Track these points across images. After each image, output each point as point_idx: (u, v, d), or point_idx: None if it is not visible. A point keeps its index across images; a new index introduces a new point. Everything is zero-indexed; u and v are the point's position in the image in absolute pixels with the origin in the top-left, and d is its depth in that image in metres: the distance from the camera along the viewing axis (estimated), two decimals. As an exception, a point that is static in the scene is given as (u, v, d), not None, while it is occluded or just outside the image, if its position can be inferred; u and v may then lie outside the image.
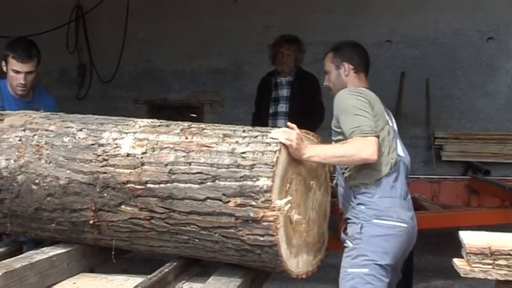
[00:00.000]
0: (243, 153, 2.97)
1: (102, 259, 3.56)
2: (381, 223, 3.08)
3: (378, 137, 3.04)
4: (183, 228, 3.06)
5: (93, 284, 3.23)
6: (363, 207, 3.13)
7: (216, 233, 2.99)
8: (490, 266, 2.76)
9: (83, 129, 3.35)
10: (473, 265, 2.79)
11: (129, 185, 3.13)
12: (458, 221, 4.59)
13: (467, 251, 2.82)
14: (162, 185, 3.07)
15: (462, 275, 2.86)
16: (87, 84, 9.05)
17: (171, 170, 3.06)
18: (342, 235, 3.24)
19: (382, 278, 3.05)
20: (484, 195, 5.50)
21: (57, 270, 3.22)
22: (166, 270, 3.08)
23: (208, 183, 2.98)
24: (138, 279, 3.05)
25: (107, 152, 3.23)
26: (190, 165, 3.04)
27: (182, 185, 3.03)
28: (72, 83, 9.13)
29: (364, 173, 3.13)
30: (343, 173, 3.26)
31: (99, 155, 3.23)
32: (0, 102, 4.03)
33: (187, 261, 3.31)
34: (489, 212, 5.03)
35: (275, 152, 2.90)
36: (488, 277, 2.77)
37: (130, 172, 3.13)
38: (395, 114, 8.00)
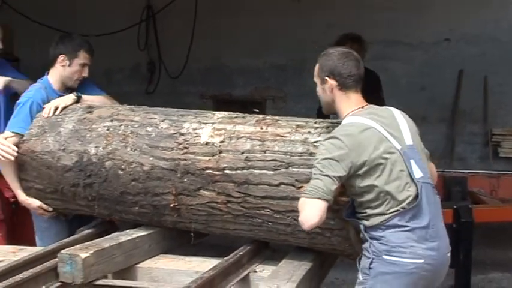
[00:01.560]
0: (315, 142, 3.08)
1: (179, 242, 3.68)
2: (392, 260, 2.73)
3: (325, 199, 2.70)
4: (257, 212, 3.18)
5: (173, 264, 3.35)
6: (374, 241, 2.78)
7: (288, 217, 3.10)
8: (552, 256, 2.79)
9: (165, 120, 3.52)
10: (536, 255, 2.83)
11: (207, 171, 3.27)
12: (518, 215, 4.58)
13: (531, 242, 2.85)
14: (238, 171, 3.20)
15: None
16: (156, 80, 9.17)
17: (247, 157, 3.19)
18: (357, 265, 2.92)
19: None
20: (544, 191, 5.46)
21: (139, 250, 3.36)
22: (241, 253, 3.19)
23: (282, 170, 3.10)
24: (214, 261, 3.17)
25: (187, 140, 3.38)
26: (265, 153, 3.17)
27: (258, 171, 3.16)
28: (143, 79, 9.26)
29: (372, 218, 2.79)
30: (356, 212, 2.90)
31: (180, 143, 3.39)
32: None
33: (260, 246, 3.40)
34: (548, 207, 5.01)
35: None
36: (551, 266, 2.81)
37: (209, 159, 3.28)
38: (453, 112, 8.07)
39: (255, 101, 8.81)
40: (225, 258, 3.11)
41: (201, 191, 3.31)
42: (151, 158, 3.45)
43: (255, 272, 3.17)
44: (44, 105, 3.92)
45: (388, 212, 2.76)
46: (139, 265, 3.33)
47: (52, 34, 8.26)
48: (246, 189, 3.19)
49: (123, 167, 3.52)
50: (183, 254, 3.52)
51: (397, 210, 2.75)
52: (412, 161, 2.82)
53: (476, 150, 7.99)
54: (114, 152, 3.56)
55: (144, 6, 8.96)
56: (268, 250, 3.47)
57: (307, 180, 2.92)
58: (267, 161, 3.15)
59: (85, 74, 4.08)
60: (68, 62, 4.01)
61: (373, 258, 2.78)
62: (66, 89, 4.10)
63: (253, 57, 8.64)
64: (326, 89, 2.96)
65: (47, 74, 4.11)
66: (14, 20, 8.17)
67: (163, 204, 3.44)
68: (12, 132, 3.88)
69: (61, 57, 4.00)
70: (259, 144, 3.21)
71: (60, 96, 4.01)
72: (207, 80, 8.85)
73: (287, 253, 3.29)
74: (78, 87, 4.12)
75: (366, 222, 2.82)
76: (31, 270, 2.94)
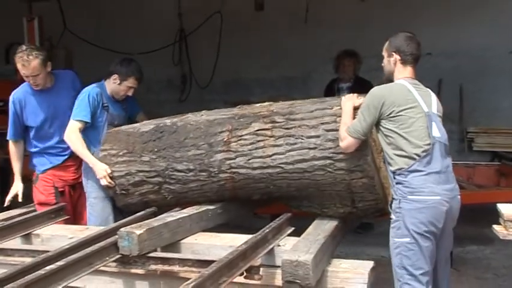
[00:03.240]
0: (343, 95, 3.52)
1: (214, 223, 3.71)
2: (415, 198, 2.93)
3: (360, 139, 3.11)
4: (295, 129, 3.39)
5: (210, 240, 3.38)
6: (400, 185, 2.98)
7: (320, 128, 3.31)
8: (524, 231, 2.82)
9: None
10: (510, 230, 2.86)
11: (260, 113, 3.52)
12: (490, 198, 4.57)
13: (505, 219, 2.88)
14: (284, 109, 3.51)
15: (501, 238, 2.91)
16: (188, 90, 9.19)
17: (292, 104, 3.51)
18: (389, 208, 3.13)
19: (421, 243, 2.92)
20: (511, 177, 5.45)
21: (182, 229, 3.40)
22: (267, 230, 3.20)
23: (318, 103, 3.47)
24: (244, 238, 3.18)
25: (244, 106, 3.71)
26: (305, 101, 3.54)
27: (299, 107, 3.50)
28: (176, 89, 9.29)
29: (397, 160, 3.00)
30: (385, 160, 3.16)
31: (239, 108, 3.71)
32: (107, 101, 4.12)
33: (282, 225, 3.42)
34: (516, 190, 5.01)
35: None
36: (523, 239, 2.83)
37: (261, 107, 3.59)
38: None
39: (269, 107, 8.80)
40: (254, 235, 3.12)
41: (253, 123, 3.54)
42: (216, 116, 3.70)
43: (279, 246, 3.19)
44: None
45: (405, 155, 2.96)
46: (182, 241, 3.37)
47: (103, 53, 8.44)
48: (289, 115, 3.45)
49: (192, 123, 3.76)
50: (218, 232, 3.55)
51: (413, 158, 2.95)
52: (433, 123, 3.02)
53: (453, 145, 7.88)
54: (186, 118, 3.82)
55: (177, 29, 9.02)
56: (289, 228, 3.49)
57: (338, 104, 3.34)
58: (307, 102, 3.47)
59: (130, 93, 4.17)
60: (118, 81, 4.09)
61: (400, 199, 2.99)
62: (116, 101, 4.20)
63: (268, 70, 8.61)
64: (391, 61, 3.19)
65: (104, 80, 4.18)
66: (74, 42, 8.28)
67: (218, 140, 3.60)
68: (77, 121, 3.98)
69: (115, 76, 4.08)
70: (300, 101, 3.56)
71: (113, 102, 4.16)
72: (229, 90, 8.82)
73: (304, 231, 3.31)
74: (123, 101, 4.23)
75: (391, 168, 3.04)
76: (97, 244, 2.99)
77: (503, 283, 4.52)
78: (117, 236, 3.06)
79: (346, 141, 3.16)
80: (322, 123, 3.34)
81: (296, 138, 3.37)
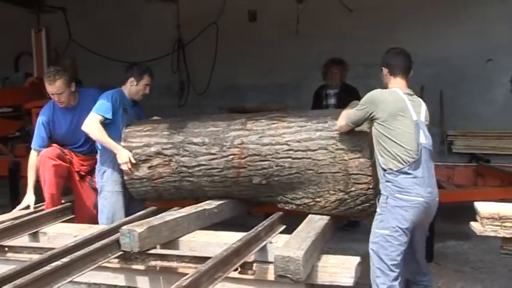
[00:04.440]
0: None
1: (209, 222, 3.68)
2: (401, 197, 3.05)
3: (348, 125, 3.34)
4: (306, 117, 3.62)
5: (207, 238, 3.37)
6: (389, 183, 3.08)
7: (328, 117, 3.57)
8: (499, 227, 2.82)
9: None
10: (486, 226, 2.85)
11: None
12: (469, 197, 4.56)
13: (482, 216, 2.87)
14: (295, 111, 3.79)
15: (478, 234, 2.90)
16: (186, 96, 9.18)
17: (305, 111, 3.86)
18: (377, 202, 3.22)
19: (399, 237, 3.06)
20: (488, 177, 5.45)
21: (180, 227, 3.39)
22: (260, 228, 3.21)
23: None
24: (238, 235, 3.17)
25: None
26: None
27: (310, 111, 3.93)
28: (175, 95, 9.27)
29: (388, 162, 3.10)
30: (377, 157, 3.22)
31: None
32: (126, 104, 4.16)
33: (274, 223, 3.43)
34: (492, 190, 5.00)
35: None
36: (498, 235, 2.83)
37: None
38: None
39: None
40: (248, 232, 3.13)
41: (267, 114, 3.75)
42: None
43: (271, 243, 3.20)
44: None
45: (396, 159, 3.05)
46: (180, 238, 3.36)
47: (106, 62, 8.43)
48: (301, 112, 3.72)
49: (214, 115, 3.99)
50: (214, 230, 3.53)
51: (403, 163, 3.04)
52: (421, 131, 3.14)
53: (435, 147, 7.80)
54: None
55: (176, 39, 9.02)
56: (281, 226, 3.49)
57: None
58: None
59: (147, 91, 4.25)
60: (135, 83, 4.17)
61: (388, 196, 3.10)
62: (134, 101, 4.29)
63: (261, 77, 8.60)
64: (383, 74, 3.34)
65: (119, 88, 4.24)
66: (78, 51, 8.27)
67: (237, 122, 3.75)
68: (99, 114, 4.01)
69: (131, 79, 4.17)
70: None
71: (130, 104, 4.23)
72: (225, 95, 8.78)
73: (295, 229, 3.29)
74: (133, 110, 4.27)
75: (382, 166, 3.13)
76: (100, 242, 2.98)
77: (480, 275, 4.54)
78: (119, 234, 3.06)
79: (340, 120, 3.39)
80: (326, 116, 3.59)
81: (306, 122, 3.56)
